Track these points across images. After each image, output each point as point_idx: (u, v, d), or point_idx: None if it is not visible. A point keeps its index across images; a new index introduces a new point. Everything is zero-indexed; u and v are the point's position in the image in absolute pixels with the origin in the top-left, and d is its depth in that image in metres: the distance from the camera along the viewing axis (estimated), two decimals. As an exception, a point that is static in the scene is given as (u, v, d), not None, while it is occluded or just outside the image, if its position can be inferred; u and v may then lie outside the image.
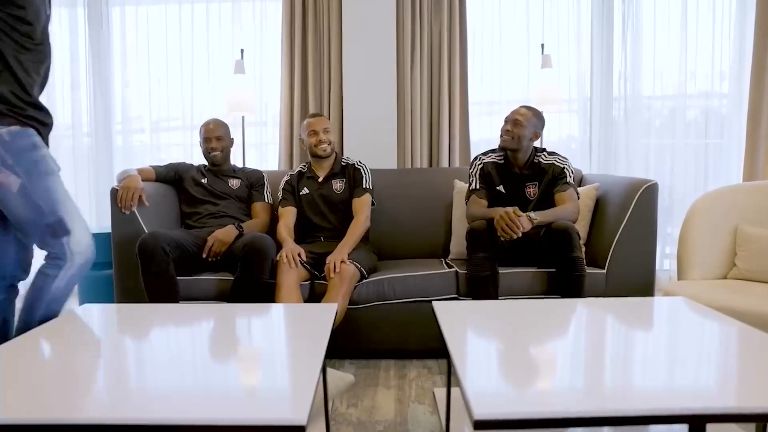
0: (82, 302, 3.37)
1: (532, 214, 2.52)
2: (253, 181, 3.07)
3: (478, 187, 2.82)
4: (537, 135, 2.78)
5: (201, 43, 4.00)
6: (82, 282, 3.34)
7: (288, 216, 2.86)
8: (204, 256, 2.67)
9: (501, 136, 2.77)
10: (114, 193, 2.69)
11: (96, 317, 1.81)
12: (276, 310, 1.85)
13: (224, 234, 2.70)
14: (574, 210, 2.64)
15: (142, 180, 2.80)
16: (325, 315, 1.73)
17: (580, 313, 1.83)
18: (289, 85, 3.75)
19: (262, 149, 4.07)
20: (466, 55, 3.76)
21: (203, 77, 4.02)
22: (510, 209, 2.49)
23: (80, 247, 1.78)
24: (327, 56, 3.72)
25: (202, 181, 3.01)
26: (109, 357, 1.43)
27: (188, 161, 3.19)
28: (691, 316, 1.75)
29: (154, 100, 4.05)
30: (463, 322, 1.70)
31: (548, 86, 3.59)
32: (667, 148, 4.06)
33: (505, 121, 2.78)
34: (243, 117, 3.75)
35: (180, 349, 1.50)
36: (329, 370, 1.97)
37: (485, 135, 4.00)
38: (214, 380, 1.25)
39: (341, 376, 1.93)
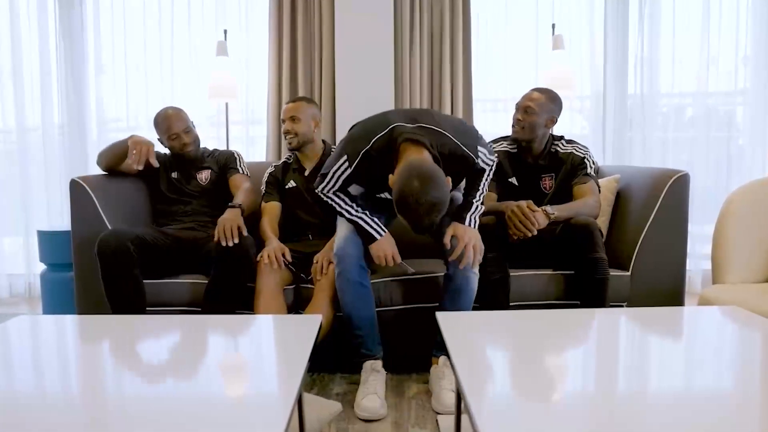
0: (45, 307, 3.04)
1: (548, 209, 2.22)
2: (224, 161, 2.69)
3: None
4: (553, 121, 2.45)
5: (181, 23, 3.67)
6: (45, 285, 3.01)
7: (272, 211, 2.54)
8: (223, 243, 2.19)
9: (512, 125, 2.46)
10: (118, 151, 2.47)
11: (26, 335, 1.49)
12: (250, 322, 1.55)
13: (234, 216, 2.27)
14: (595, 204, 2.33)
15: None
16: (306, 329, 1.43)
17: (613, 327, 1.52)
18: (277, 69, 3.44)
19: (247, 140, 3.75)
20: (470, 38, 3.45)
21: (184, 61, 3.70)
22: (523, 203, 2.19)
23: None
24: (318, 37, 3.40)
25: (172, 175, 2.65)
26: (26, 386, 1.12)
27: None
28: (753, 333, 1.44)
29: (131, 86, 3.72)
30: (474, 339, 1.40)
31: (560, 69, 3.28)
32: (686, 141, 3.77)
33: (516, 108, 2.46)
34: (227, 104, 3.44)
35: (121, 376, 1.19)
36: (310, 398, 1.65)
37: (490, 129, 3.69)
38: (160, 417, 0.95)
39: (324, 405, 1.62)
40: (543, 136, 2.45)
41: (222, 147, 3.42)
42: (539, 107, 2.40)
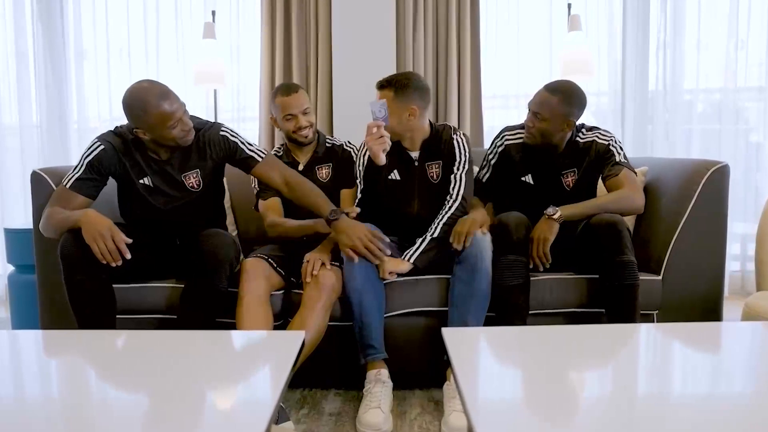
0: (12, 313, 2.77)
1: (549, 211, 1.99)
2: (221, 154, 2.07)
3: (486, 178, 2.26)
4: (570, 124, 2.11)
5: (167, 5, 3.42)
6: (12, 288, 2.74)
7: (275, 209, 2.24)
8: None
9: (524, 128, 2.18)
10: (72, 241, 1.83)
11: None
12: (218, 339, 1.30)
13: (355, 230, 1.97)
14: (632, 196, 2.04)
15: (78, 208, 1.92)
16: (283, 350, 1.17)
17: (644, 347, 1.27)
18: (270, 53, 3.17)
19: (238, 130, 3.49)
20: (478, 24, 3.17)
21: (170, 45, 3.44)
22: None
23: None
24: (314, 21, 3.14)
25: (143, 182, 2.03)
26: None
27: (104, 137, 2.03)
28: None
29: (114, 73, 3.46)
30: (483, 360, 1.19)
31: (577, 51, 3.00)
32: (713, 134, 3.49)
33: (528, 108, 2.15)
34: (215, 91, 3.18)
35: (73, 398, 0.94)
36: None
37: (500, 126, 3.42)
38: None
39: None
40: (562, 138, 2.15)
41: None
42: (550, 112, 2.07)
